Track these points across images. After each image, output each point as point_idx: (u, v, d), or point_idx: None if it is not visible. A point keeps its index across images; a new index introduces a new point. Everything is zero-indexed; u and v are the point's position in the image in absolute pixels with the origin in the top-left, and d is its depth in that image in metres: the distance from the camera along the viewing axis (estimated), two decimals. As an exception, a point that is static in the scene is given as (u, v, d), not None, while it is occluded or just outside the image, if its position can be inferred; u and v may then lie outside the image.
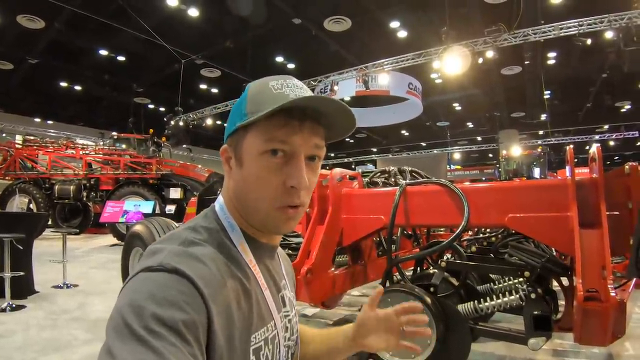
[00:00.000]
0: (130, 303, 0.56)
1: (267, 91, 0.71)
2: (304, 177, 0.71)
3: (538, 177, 18.38)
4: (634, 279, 2.14)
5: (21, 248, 4.74)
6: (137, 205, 10.43)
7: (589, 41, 10.20)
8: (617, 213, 2.07)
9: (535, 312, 2.19)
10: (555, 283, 2.57)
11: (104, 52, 14.82)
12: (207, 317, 0.60)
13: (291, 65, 16.30)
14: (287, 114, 0.69)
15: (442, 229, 4.15)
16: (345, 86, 15.23)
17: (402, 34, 13.35)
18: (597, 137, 24.12)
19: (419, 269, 3.30)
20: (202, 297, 0.60)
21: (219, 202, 0.79)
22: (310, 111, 0.71)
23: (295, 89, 0.73)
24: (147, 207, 10.32)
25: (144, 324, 0.53)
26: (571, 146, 2.25)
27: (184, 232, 0.71)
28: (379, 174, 3.87)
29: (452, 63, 10.95)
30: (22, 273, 4.72)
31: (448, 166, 29.71)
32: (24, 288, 4.85)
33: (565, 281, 2.37)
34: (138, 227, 4.30)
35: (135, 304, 0.56)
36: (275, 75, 0.76)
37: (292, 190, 0.71)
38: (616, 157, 29.65)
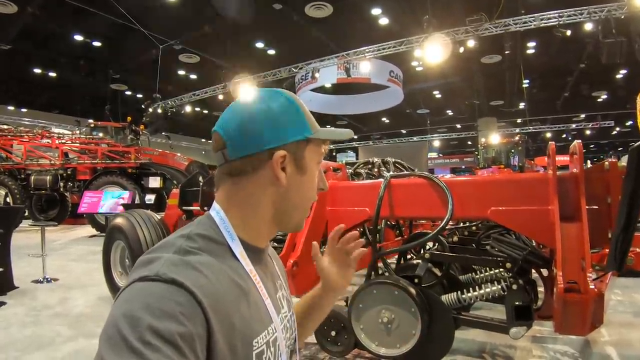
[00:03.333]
0: (125, 314, 0.55)
1: (307, 109, 0.83)
2: None
3: (516, 164, 18.75)
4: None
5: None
6: (116, 196, 10.17)
7: (568, 32, 10.34)
8: (597, 207, 2.12)
9: (517, 303, 2.24)
10: (535, 273, 2.64)
11: (79, 38, 14.39)
12: (207, 328, 0.59)
13: (272, 52, 16.10)
14: None
15: (423, 220, 4.21)
16: (326, 73, 15.18)
17: (384, 21, 13.32)
18: (573, 125, 24.63)
19: (402, 259, 3.35)
20: (202, 308, 0.59)
21: (216, 210, 0.78)
22: None
23: None
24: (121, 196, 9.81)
25: (140, 335, 0.52)
26: (553, 142, 2.28)
27: (178, 239, 0.69)
28: (362, 165, 3.89)
29: (433, 51, 10.98)
30: (0, 269, 4.62)
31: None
32: (3, 283, 4.74)
33: (544, 271, 2.43)
34: (119, 220, 4.23)
35: (130, 315, 0.55)
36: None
37: (318, 191, 0.87)
38: (592, 146, 30.39)
